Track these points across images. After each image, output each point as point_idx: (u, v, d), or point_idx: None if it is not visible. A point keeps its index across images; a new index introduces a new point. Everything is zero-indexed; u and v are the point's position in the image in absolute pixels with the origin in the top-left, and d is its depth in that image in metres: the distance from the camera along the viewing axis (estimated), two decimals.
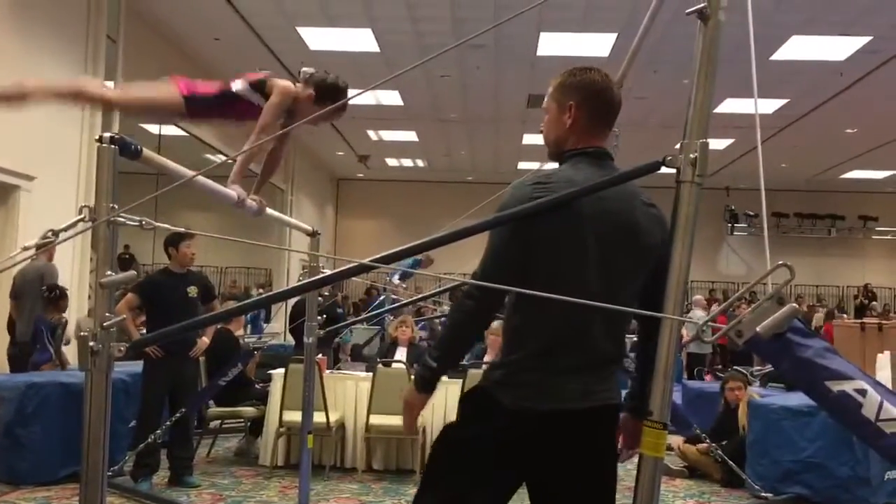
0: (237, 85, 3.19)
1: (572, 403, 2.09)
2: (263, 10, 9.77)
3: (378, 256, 2.02)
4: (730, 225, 20.88)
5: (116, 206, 1.94)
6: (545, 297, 1.87)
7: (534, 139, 16.11)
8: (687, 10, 2.05)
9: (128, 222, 1.95)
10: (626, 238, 2.08)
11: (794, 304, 1.55)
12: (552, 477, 2.17)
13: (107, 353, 1.91)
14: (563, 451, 2.12)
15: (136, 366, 5.74)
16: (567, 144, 2.23)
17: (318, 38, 10.61)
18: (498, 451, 2.10)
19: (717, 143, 14.83)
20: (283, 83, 3.16)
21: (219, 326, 6.55)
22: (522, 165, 18.07)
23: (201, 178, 2.33)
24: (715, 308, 15.81)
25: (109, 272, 1.90)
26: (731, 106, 11.90)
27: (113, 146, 1.96)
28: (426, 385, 2.15)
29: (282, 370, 6.32)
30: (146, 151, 2.01)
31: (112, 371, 1.95)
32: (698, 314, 12.30)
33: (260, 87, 3.18)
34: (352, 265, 1.98)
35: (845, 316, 16.58)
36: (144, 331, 5.93)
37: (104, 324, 1.90)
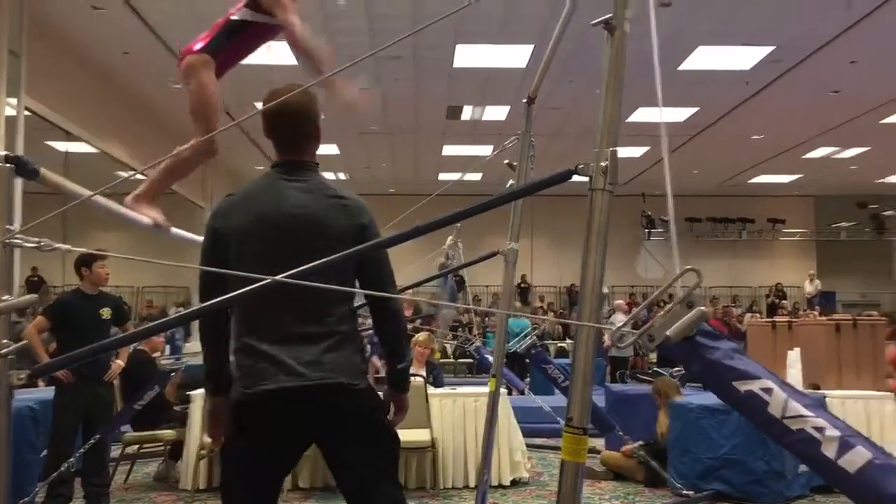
0: (237, 14, 3.09)
1: (273, 384, 2.28)
2: (174, 24, 9.55)
3: (294, 272, 1.98)
4: (647, 230, 21.41)
5: (13, 227, 1.85)
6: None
7: (454, 150, 16.23)
8: (593, 22, 2.09)
9: (24, 244, 1.86)
10: (311, 229, 2.34)
11: (702, 308, 1.59)
12: (292, 454, 2.45)
13: (5, 382, 1.81)
14: (285, 431, 2.34)
15: (48, 392, 5.50)
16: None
17: None
18: (237, 436, 2.35)
19: (633, 151, 15.21)
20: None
21: (135, 348, 6.35)
22: (443, 176, 18.15)
23: (101, 200, 2.25)
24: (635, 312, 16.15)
25: (6, 296, 1.81)
26: (644, 115, 12.23)
27: (8, 165, 1.87)
28: (208, 387, 2.47)
29: (200, 391, 6.15)
30: (44, 171, 1.93)
31: (13, 399, 1.86)
32: (619, 318, 12.55)
33: (255, 4, 3.07)
34: (265, 282, 1.94)
35: (758, 315, 17.16)
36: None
37: (1, 351, 1.81)
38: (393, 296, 2.49)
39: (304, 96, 2.51)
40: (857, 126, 14.02)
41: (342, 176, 19.72)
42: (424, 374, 6.90)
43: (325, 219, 2.39)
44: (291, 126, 2.51)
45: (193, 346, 13.47)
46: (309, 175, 2.50)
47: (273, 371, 2.30)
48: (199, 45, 3.07)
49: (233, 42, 3.11)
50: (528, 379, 11.25)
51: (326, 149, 16.51)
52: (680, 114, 13.46)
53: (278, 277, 1.93)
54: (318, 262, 2.01)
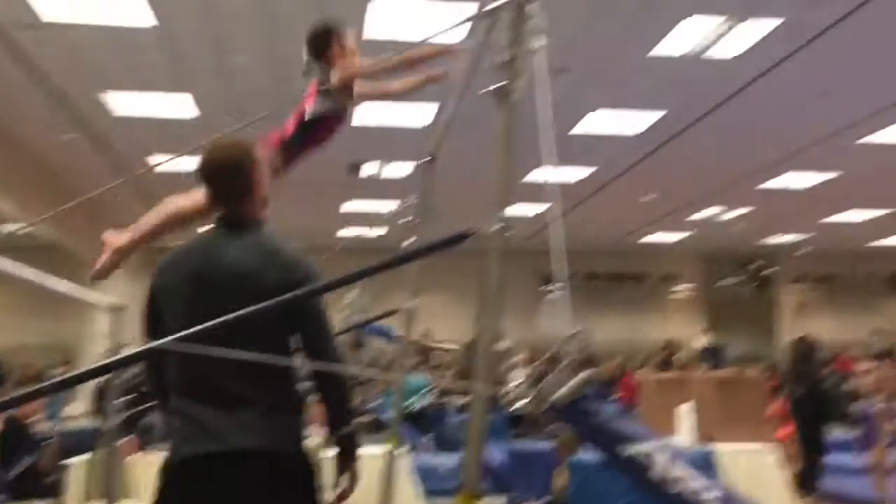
0: (309, 111, 3.05)
1: (200, 448, 2.21)
2: (61, 71, 9.24)
3: (176, 336, 1.90)
4: (546, 286, 21.80)
5: None
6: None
7: (353, 207, 16.22)
8: (482, 90, 2.14)
9: None
10: (240, 287, 2.23)
11: (590, 371, 1.62)
12: None
13: None
14: (212, 498, 2.22)
15: None
16: None
17: (127, 103, 10.18)
18: (165, 502, 2.26)
19: (534, 209, 15.54)
20: (344, 70, 3.03)
21: (8, 414, 5.97)
22: (342, 233, 18.09)
23: None
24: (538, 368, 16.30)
25: None
26: (545, 173, 12.54)
27: None
28: None
29: (81, 458, 5.82)
30: None
31: None
32: (520, 374, 12.64)
33: (328, 91, 3.05)
34: (143, 349, 1.86)
35: (650, 370, 17.60)
36: None
37: None
38: (322, 364, 2.33)
39: (238, 149, 2.50)
40: (739, 189, 14.80)
41: None
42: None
43: (257, 276, 2.30)
44: (223, 180, 2.48)
45: (73, 409, 12.76)
46: (247, 230, 2.44)
47: (200, 435, 2.21)
48: (277, 141, 3.12)
49: (310, 135, 3.14)
50: (429, 435, 11.13)
51: None
52: (578, 173, 13.87)
53: (164, 343, 1.85)
54: (208, 324, 1.94)
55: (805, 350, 7.47)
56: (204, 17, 7.99)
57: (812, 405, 7.18)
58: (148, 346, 1.89)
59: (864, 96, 10.18)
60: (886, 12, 7.81)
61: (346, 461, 2.45)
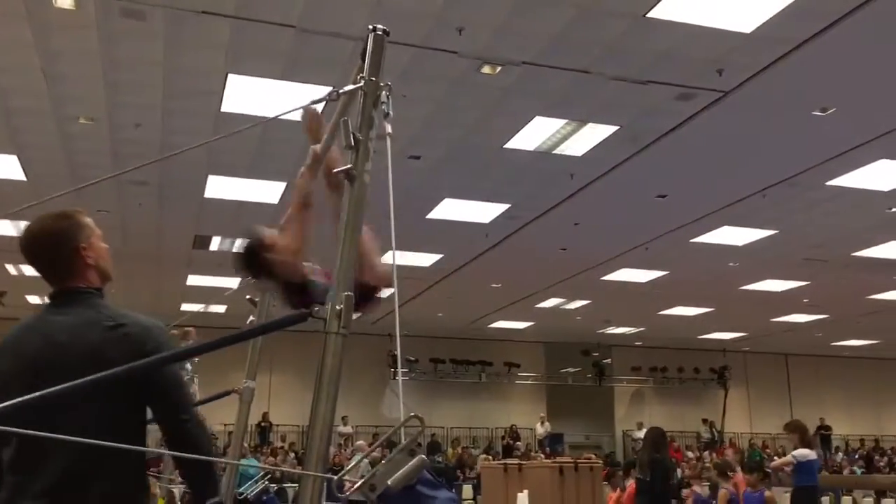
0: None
1: None
2: None
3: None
4: (392, 370, 21.73)
5: None
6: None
7: (198, 280, 15.68)
8: (335, 170, 2.15)
9: None
10: (78, 368, 1.95)
11: (423, 456, 1.59)
12: None
13: None
14: None
15: None
16: None
17: None
18: None
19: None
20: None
21: None
22: (186, 307, 17.40)
23: None
24: (377, 453, 16.06)
25: None
26: (396, 258, 12.65)
27: None
28: None
29: None
30: None
31: None
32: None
33: None
34: None
35: (491, 457, 17.73)
36: None
37: None
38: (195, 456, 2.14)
39: (60, 219, 2.27)
40: (580, 281, 15.48)
41: None
42: None
43: (97, 355, 2.06)
44: (43, 253, 2.28)
45: None
46: (83, 304, 2.22)
47: None
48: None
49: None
50: None
51: None
52: (426, 259, 14.09)
53: None
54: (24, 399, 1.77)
55: (658, 439, 7.87)
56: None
57: (660, 491, 7.54)
58: None
59: (697, 200, 11.03)
60: (713, 124, 8.57)
61: None
